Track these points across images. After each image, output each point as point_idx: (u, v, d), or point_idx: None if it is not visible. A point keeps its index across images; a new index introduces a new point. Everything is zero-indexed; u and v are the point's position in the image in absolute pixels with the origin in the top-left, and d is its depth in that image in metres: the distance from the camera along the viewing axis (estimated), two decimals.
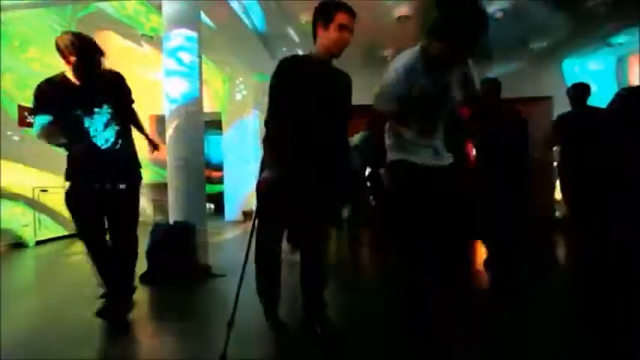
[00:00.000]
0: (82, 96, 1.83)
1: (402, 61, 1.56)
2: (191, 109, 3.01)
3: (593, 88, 6.33)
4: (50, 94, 1.80)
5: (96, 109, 1.86)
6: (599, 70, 6.05)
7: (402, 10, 4.31)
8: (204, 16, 3.80)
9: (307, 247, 1.70)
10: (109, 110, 1.90)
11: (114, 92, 1.95)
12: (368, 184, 3.88)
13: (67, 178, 1.90)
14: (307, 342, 1.63)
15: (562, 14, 4.47)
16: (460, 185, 1.78)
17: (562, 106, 3.25)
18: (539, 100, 5.87)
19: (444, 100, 1.62)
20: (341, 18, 1.54)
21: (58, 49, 1.76)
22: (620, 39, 5.15)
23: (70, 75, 1.82)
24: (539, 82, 6.02)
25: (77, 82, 1.82)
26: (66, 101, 1.81)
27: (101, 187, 1.88)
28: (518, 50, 5.45)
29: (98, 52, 1.83)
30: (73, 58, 1.75)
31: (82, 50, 1.76)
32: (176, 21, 3.06)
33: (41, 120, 1.78)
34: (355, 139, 3.89)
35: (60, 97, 1.80)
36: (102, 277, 1.92)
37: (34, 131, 1.83)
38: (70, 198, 1.87)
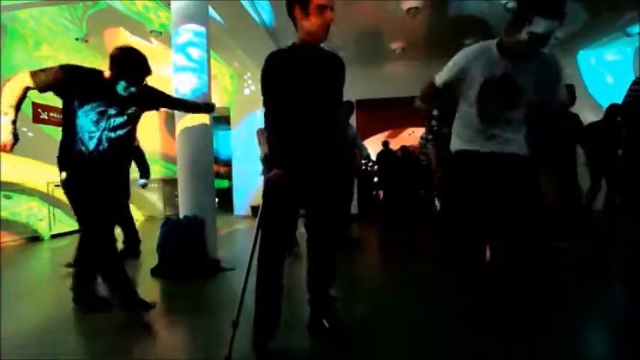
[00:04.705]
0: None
1: (472, 47, 1.65)
2: None
3: (610, 80, 6.14)
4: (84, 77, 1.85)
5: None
6: (617, 61, 5.87)
7: (412, 1, 4.23)
8: (212, 12, 3.80)
9: (317, 240, 1.66)
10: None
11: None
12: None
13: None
14: (315, 338, 1.62)
15: (578, 4, 4.33)
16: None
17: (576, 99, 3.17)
18: None
19: (515, 90, 1.61)
20: None
21: (115, 57, 1.89)
22: (638, 29, 4.98)
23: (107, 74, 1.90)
24: None
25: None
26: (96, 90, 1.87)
27: None
28: None
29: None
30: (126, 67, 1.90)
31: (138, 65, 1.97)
32: (185, 17, 3.07)
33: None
34: None
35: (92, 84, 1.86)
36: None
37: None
38: None
